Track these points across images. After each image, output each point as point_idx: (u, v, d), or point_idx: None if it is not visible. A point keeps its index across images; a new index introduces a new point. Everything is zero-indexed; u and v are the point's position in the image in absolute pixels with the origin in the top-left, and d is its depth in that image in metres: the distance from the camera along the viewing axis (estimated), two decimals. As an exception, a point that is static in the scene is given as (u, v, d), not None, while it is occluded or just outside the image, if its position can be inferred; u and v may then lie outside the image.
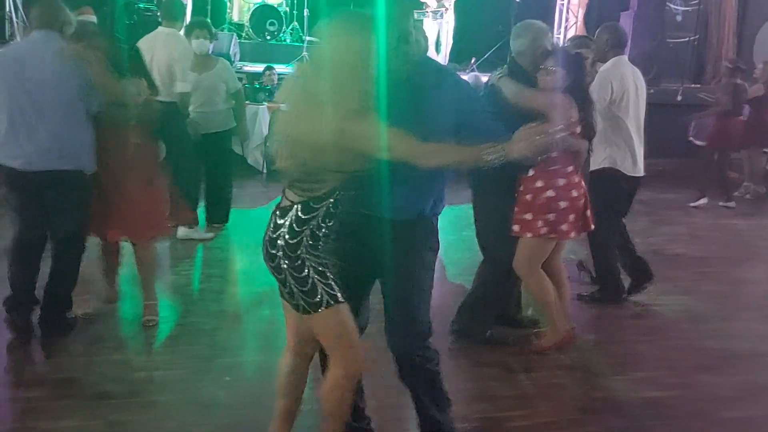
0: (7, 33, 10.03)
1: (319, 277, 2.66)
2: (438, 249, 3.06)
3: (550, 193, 4.13)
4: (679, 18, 12.34)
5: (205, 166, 6.50)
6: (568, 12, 13.09)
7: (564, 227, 4.20)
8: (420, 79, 2.75)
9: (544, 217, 4.14)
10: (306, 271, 2.64)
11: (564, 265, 4.55)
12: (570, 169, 4.16)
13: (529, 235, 4.17)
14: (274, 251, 2.66)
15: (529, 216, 4.15)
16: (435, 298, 3.09)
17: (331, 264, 2.73)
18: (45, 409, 3.45)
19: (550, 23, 11.88)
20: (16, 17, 9.71)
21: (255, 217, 7.00)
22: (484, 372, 4.13)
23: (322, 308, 2.67)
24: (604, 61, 5.14)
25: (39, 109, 3.92)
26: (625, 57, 5.21)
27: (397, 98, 2.59)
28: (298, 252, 2.63)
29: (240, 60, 11.14)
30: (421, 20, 10.60)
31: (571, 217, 4.20)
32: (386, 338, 2.99)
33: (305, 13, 11.74)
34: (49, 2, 4.10)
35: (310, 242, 2.64)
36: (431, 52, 10.45)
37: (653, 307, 5.31)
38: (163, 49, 5.84)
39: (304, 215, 2.62)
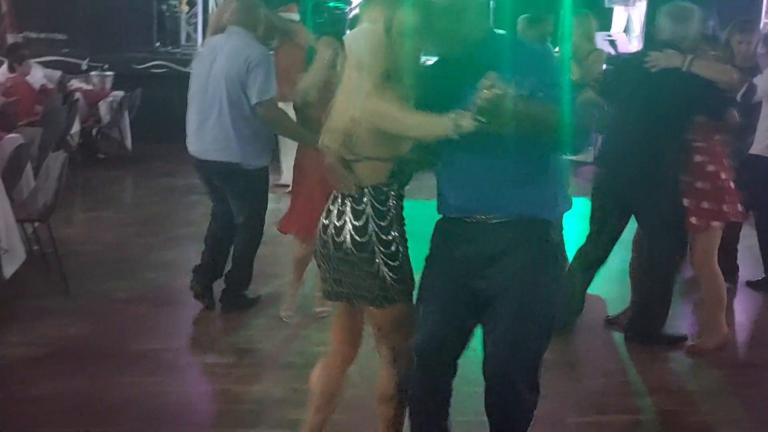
0: (183, 38, 10.83)
1: (408, 263, 2.51)
2: (566, 257, 2.57)
3: (723, 175, 3.94)
4: None
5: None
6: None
7: (740, 208, 4.01)
8: (480, 58, 2.32)
9: (725, 200, 3.94)
10: (399, 258, 2.47)
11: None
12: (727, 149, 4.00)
13: (716, 224, 3.95)
14: (364, 239, 2.45)
15: (706, 204, 3.92)
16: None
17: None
18: (235, 374, 3.75)
19: (760, 10, 11.06)
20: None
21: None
22: (663, 366, 3.98)
23: (409, 296, 2.53)
24: None
25: (212, 101, 4.10)
26: None
27: (452, 79, 2.36)
28: (392, 234, 2.47)
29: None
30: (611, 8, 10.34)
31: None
32: (485, 363, 2.46)
33: (491, 6, 11.75)
34: (245, 2, 4.29)
35: (398, 219, 2.49)
36: (622, 40, 10.17)
37: None
38: None
39: (379, 195, 2.47)
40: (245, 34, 4.17)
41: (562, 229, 2.51)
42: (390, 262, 2.46)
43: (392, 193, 2.48)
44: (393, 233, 2.47)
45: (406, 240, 2.53)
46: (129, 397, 3.43)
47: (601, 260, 4.22)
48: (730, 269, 5.08)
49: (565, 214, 2.51)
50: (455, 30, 2.33)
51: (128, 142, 8.95)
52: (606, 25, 10.91)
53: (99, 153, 9.19)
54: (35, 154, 5.81)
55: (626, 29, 11.04)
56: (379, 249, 2.45)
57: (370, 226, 2.45)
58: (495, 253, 2.40)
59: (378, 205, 2.46)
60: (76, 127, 8.04)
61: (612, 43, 9.51)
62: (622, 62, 4.27)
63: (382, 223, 2.46)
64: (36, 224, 4.98)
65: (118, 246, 5.71)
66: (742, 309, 4.87)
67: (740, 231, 5.01)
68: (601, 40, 9.24)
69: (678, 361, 4.03)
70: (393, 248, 2.47)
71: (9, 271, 4.41)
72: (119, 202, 7.45)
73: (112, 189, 7.79)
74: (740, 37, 4.99)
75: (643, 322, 4.20)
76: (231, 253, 4.51)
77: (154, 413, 3.34)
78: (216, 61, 4.11)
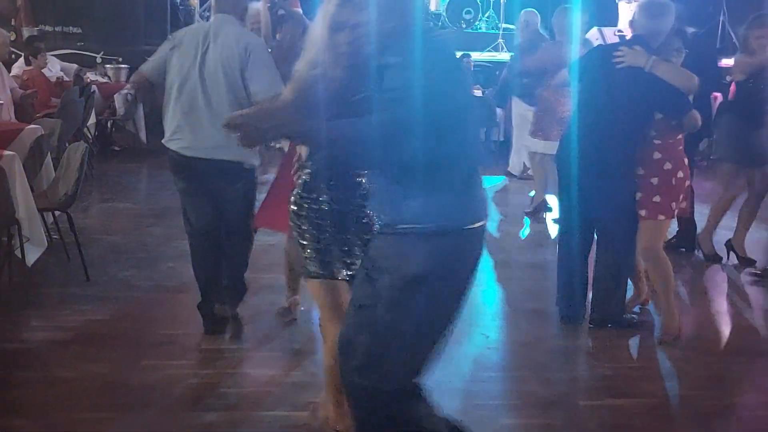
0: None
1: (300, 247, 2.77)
2: (462, 291, 2.28)
3: (680, 173, 4.03)
4: None
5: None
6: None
7: (684, 205, 4.15)
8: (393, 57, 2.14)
9: (677, 198, 4.04)
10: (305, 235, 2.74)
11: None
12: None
13: (661, 217, 4.03)
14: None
15: (658, 198, 4.01)
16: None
17: (312, 239, 2.72)
18: (255, 359, 3.85)
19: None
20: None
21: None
22: (672, 353, 4.02)
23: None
24: None
25: (208, 92, 3.73)
26: None
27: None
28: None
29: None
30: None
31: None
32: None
33: (501, 0, 11.82)
34: None
35: (293, 208, 2.74)
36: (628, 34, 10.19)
37: None
38: None
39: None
40: (237, 22, 3.89)
41: (461, 241, 2.24)
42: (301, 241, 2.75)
43: (304, 179, 2.72)
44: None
45: (300, 227, 2.73)
46: (150, 381, 3.52)
47: (585, 251, 4.29)
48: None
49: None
50: (382, 28, 2.17)
51: (143, 135, 9.05)
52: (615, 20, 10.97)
53: (114, 145, 9.32)
54: (54, 145, 5.92)
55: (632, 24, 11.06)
56: (294, 222, 2.75)
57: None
58: (373, 260, 2.29)
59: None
60: (91, 120, 8.15)
61: (622, 38, 9.56)
62: (593, 52, 4.31)
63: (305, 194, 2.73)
64: (56, 213, 5.07)
65: (136, 236, 5.82)
66: (751, 298, 4.93)
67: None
68: (611, 35, 9.29)
69: (687, 349, 4.08)
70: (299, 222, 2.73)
71: (31, 259, 4.52)
72: (135, 193, 7.56)
73: (127, 180, 7.90)
74: (758, 33, 5.05)
75: (605, 308, 4.23)
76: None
77: (174, 396, 3.42)
78: (209, 50, 3.74)
